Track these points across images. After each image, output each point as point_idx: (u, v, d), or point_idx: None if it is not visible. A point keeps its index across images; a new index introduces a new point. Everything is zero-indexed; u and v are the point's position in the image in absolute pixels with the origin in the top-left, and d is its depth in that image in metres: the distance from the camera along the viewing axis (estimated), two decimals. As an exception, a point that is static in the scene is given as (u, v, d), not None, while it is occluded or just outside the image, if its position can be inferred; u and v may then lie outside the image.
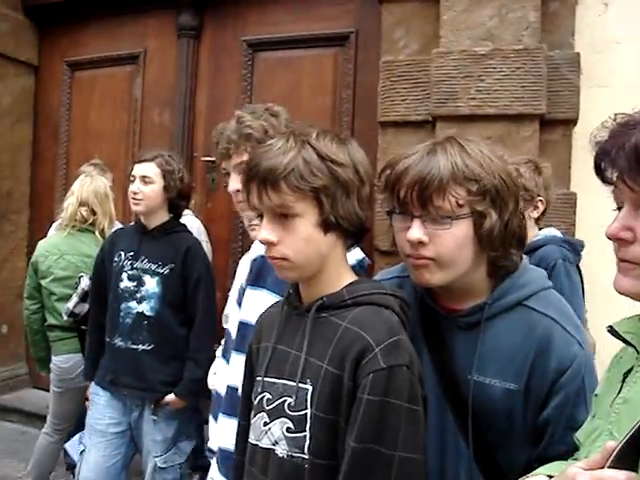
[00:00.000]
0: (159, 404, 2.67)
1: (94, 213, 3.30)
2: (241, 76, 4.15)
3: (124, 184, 4.16)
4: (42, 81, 5.01)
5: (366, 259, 1.74)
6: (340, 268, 1.28)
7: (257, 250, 1.63)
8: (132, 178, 2.71)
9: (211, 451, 1.67)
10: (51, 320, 3.27)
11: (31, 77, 4.98)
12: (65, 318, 3.13)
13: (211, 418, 1.83)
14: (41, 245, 3.36)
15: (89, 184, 3.33)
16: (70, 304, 3.10)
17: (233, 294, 2.48)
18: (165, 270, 2.66)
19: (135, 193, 2.67)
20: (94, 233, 3.30)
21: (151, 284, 2.65)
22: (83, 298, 3.09)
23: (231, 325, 2.30)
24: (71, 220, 3.30)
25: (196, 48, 4.32)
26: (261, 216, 1.22)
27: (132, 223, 2.99)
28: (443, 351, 1.31)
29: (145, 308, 2.65)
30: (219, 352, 2.57)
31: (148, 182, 2.68)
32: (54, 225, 3.66)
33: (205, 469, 3.56)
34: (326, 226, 1.20)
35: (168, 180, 2.68)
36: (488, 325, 1.27)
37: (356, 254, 1.64)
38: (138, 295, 2.66)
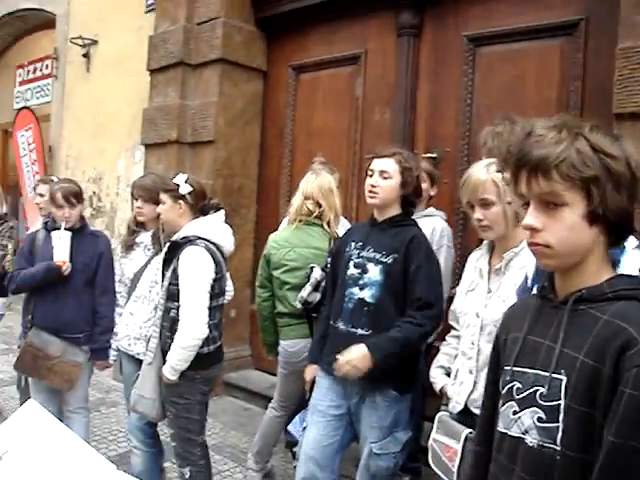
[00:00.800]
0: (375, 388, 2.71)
1: (319, 206, 3.43)
2: (462, 72, 4.12)
3: (345, 180, 4.36)
4: (270, 85, 5.39)
5: None
6: (600, 262, 1.24)
7: None
8: (370, 172, 2.76)
9: None
10: (280, 308, 3.48)
11: (260, 82, 5.39)
12: (299, 306, 3.31)
13: None
14: (272, 238, 3.58)
15: (314, 179, 3.49)
16: (304, 293, 3.27)
17: (461, 290, 2.47)
18: (389, 259, 2.68)
19: (373, 186, 2.73)
20: (321, 226, 3.43)
21: (374, 272, 2.70)
22: (315, 287, 3.26)
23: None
24: (298, 214, 3.46)
25: (416, 46, 4.36)
26: (527, 204, 1.23)
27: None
28: None
29: (366, 295, 2.70)
30: (445, 348, 2.58)
31: (386, 177, 2.72)
32: (284, 220, 3.87)
33: (417, 472, 3.61)
34: (592, 218, 1.18)
35: (405, 177, 2.71)
36: None
37: None
38: (361, 282, 2.72)
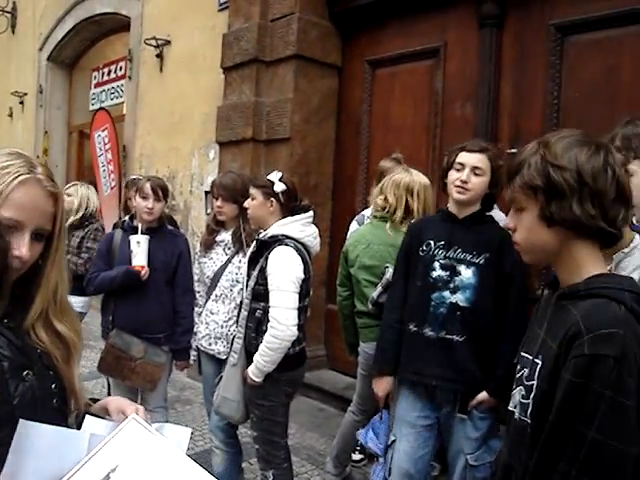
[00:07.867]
0: (471, 402, 2.60)
1: (389, 202, 3.28)
2: (549, 63, 3.92)
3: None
4: (345, 81, 5.31)
5: None
6: (579, 262, 1.36)
7: None
8: (458, 167, 2.60)
9: None
10: (360, 307, 3.37)
11: (335, 78, 5.31)
12: (370, 307, 3.23)
13: None
14: (351, 235, 3.52)
15: (392, 175, 3.36)
16: (374, 293, 3.18)
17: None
18: (480, 260, 2.56)
19: (464, 182, 2.57)
20: (395, 222, 3.26)
21: (466, 274, 2.57)
22: (387, 288, 3.12)
23: None
24: (374, 210, 3.38)
25: (499, 37, 4.20)
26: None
27: (437, 213, 2.91)
28: None
29: (459, 298, 2.57)
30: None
31: (479, 174, 2.58)
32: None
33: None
34: (547, 221, 1.33)
35: (497, 175, 2.56)
36: None
37: None
38: (452, 285, 2.59)
